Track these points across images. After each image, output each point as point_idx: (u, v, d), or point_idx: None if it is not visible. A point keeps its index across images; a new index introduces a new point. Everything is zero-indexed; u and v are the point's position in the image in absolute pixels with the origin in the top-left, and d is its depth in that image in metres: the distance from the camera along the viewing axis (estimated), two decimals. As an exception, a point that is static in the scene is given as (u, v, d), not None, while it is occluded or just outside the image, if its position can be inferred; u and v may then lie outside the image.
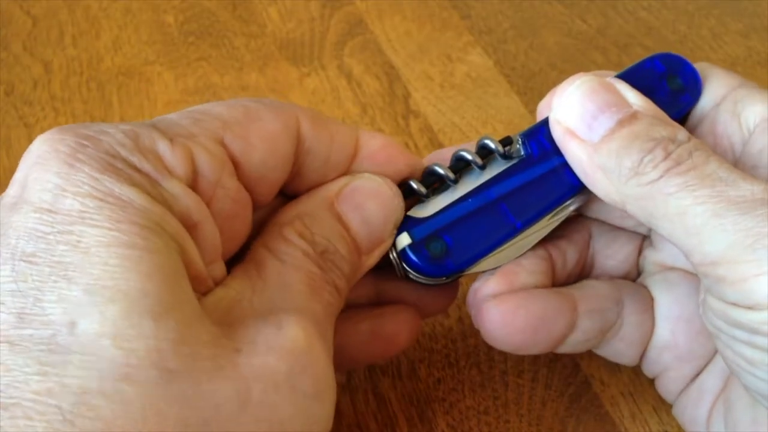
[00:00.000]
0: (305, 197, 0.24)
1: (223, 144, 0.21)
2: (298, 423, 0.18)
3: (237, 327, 0.18)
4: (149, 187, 0.19)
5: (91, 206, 0.17)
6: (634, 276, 0.28)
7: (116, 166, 0.18)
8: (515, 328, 0.24)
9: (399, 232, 0.24)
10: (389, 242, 0.24)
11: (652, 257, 0.27)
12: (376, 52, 0.44)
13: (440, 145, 0.39)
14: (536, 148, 0.25)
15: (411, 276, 0.25)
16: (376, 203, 0.24)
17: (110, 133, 0.19)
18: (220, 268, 0.21)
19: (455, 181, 0.25)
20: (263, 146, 0.22)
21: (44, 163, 0.18)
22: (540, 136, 0.25)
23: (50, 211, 0.17)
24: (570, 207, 0.25)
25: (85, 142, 0.18)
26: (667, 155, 0.21)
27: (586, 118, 0.23)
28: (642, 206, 0.22)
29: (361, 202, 0.23)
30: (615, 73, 0.25)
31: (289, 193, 0.24)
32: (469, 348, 0.30)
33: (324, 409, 0.19)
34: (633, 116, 0.23)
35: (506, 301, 0.24)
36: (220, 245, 0.21)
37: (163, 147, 0.19)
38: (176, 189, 0.19)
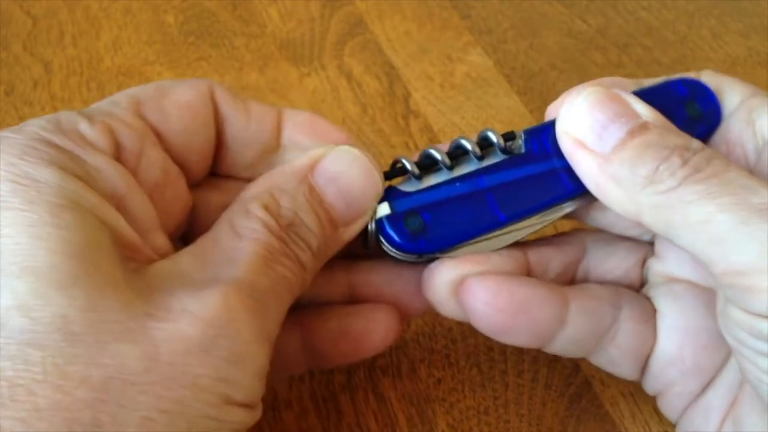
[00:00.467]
0: (277, 170, 0.24)
1: (141, 117, 0.22)
2: (212, 384, 0.19)
3: (162, 294, 0.19)
4: (70, 163, 0.20)
5: (6, 190, 0.19)
6: (636, 288, 0.27)
7: (36, 148, 0.19)
8: (495, 306, 0.23)
9: (380, 201, 0.24)
10: (369, 215, 0.24)
11: (657, 268, 0.26)
12: (376, 52, 0.44)
13: (440, 145, 0.39)
14: (537, 146, 0.25)
15: (383, 248, 0.24)
16: (354, 174, 0.24)
17: (32, 123, 0.21)
18: (161, 239, 0.22)
19: (450, 168, 0.25)
20: (180, 113, 0.23)
21: None
22: (544, 135, 0.25)
23: None
24: (564, 210, 0.25)
25: (7, 133, 0.20)
26: (685, 162, 0.21)
27: (595, 129, 0.23)
28: (659, 215, 0.21)
29: (338, 173, 0.23)
30: (628, 81, 0.25)
31: (220, 174, 0.25)
32: (469, 348, 0.30)
33: (244, 376, 0.19)
34: (644, 126, 0.22)
35: (489, 279, 0.24)
36: (155, 215, 0.22)
37: (83, 125, 0.21)
38: (99, 161, 0.20)
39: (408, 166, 0.25)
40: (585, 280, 0.27)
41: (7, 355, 0.17)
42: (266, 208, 0.22)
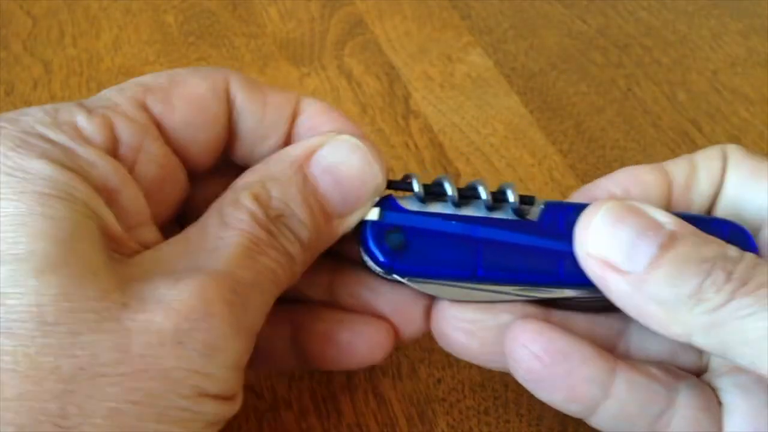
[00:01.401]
0: (272, 158, 0.23)
1: (145, 108, 0.22)
2: (185, 376, 0.18)
3: (140, 284, 0.19)
4: (62, 157, 0.20)
5: None
6: (692, 373, 0.25)
7: (29, 142, 0.20)
8: (529, 352, 0.23)
9: (374, 205, 0.24)
10: (366, 209, 0.23)
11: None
12: (376, 52, 0.44)
13: (440, 145, 0.39)
14: (550, 221, 0.24)
15: (358, 249, 0.24)
16: (352, 165, 0.23)
17: (31, 113, 0.21)
18: (150, 232, 0.22)
19: (457, 205, 0.24)
20: (186, 107, 0.22)
21: None
22: (562, 214, 0.24)
23: None
24: (551, 293, 0.24)
25: (3, 124, 0.20)
26: (729, 275, 0.20)
27: (623, 248, 0.21)
28: (713, 335, 0.20)
29: (334, 163, 0.23)
30: (645, 168, 0.24)
31: (235, 161, 0.25)
32: (469, 348, 0.30)
33: (218, 368, 0.19)
34: (672, 237, 0.21)
35: (533, 323, 0.23)
36: (147, 209, 0.21)
37: (81, 118, 0.21)
38: (92, 156, 0.20)
39: (415, 186, 0.24)
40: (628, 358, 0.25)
41: None
42: (256, 198, 0.21)
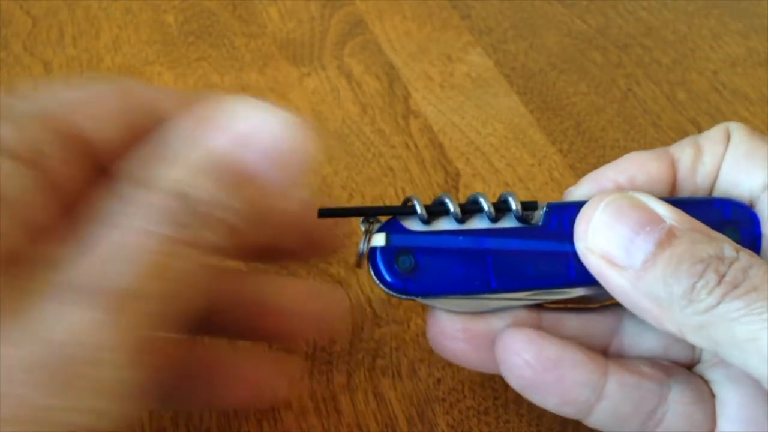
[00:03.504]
0: (172, 138, 0.19)
1: (56, 119, 0.19)
2: (60, 415, 0.16)
3: (19, 311, 0.16)
4: None
5: None
6: (685, 366, 0.25)
7: None
8: (521, 360, 0.23)
9: (379, 230, 0.24)
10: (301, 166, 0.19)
11: None
12: (376, 52, 0.44)
13: (440, 145, 0.39)
14: (556, 223, 0.24)
15: (371, 274, 0.24)
16: (269, 130, 0.19)
17: None
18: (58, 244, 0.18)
19: (461, 221, 0.24)
20: (88, 111, 0.20)
21: None
22: (566, 214, 0.24)
23: None
24: (565, 294, 0.24)
25: None
26: (721, 278, 0.20)
27: (622, 243, 0.21)
28: (704, 335, 0.20)
29: (250, 133, 0.19)
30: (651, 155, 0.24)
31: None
32: (469, 348, 0.30)
33: (102, 404, 0.16)
34: (670, 234, 0.21)
35: (524, 332, 0.23)
36: (55, 220, 0.18)
37: None
38: None
39: (417, 207, 0.24)
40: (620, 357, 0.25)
41: None
42: (157, 190, 0.18)
